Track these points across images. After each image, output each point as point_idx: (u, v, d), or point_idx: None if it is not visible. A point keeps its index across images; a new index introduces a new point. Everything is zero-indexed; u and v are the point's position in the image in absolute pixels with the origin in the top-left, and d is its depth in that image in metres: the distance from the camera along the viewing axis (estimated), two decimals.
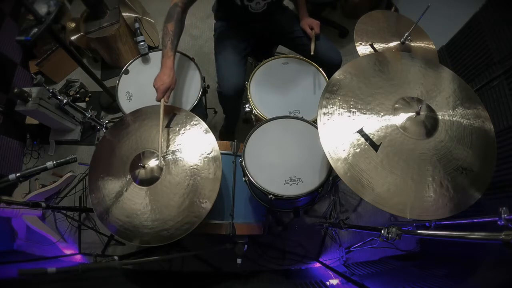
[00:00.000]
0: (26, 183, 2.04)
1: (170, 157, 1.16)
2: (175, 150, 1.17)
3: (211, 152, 1.15)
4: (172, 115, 1.25)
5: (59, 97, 1.48)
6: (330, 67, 1.50)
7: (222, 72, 1.51)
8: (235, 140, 1.40)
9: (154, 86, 1.22)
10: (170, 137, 1.20)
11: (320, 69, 1.49)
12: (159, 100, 1.22)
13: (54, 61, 2.33)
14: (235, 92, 1.48)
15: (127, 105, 1.48)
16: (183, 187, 1.10)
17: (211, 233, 1.29)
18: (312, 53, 1.45)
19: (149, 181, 1.13)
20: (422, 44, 1.42)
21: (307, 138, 1.27)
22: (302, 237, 1.83)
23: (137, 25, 1.67)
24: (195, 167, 1.13)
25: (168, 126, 1.22)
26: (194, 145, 1.18)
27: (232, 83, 1.47)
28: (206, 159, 1.14)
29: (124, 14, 2.23)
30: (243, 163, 1.21)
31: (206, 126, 1.21)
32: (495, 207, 0.80)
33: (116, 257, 0.91)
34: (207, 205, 1.07)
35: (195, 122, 1.22)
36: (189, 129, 1.21)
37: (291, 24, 1.61)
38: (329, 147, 0.94)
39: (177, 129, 1.22)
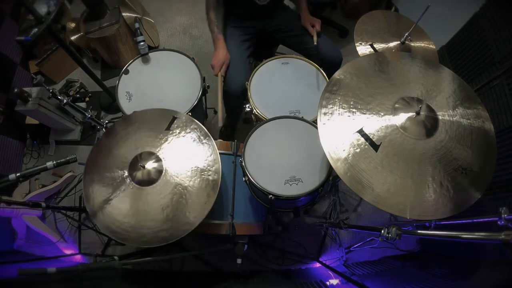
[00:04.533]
0: (26, 183, 2.04)
1: (169, 158, 1.16)
2: (174, 153, 1.17)
3: (211, 155, 1.16)
4: (172, 118, 1.25)
5: (59, 97, 1.48)
6: (330, 66, 1.50)
7: (228, 71, 1.52)
8: (235, 140, 1.40)
9: (211, 64, 1.46)
10: (170, 140, 1.20)
11: (320, 69, 1.49)
12: (216, 75, 1.45)
13: (54, 61, 2.32)
14: (241, 91, 1.49)
15: (127, 105, 1.48)
16: (182, 187, 1.10)
17: (211, 233, 1.29)
18: (315, 43, 1.48)
19: (147, 182, 1.13)
20: (422, 44, 1.42)
21: (307, 138, 1.27)
22: (302, 237, 1.83)
23: (137, 25, 1.67)
24: (195, 168, 1.13)
25: (168, 129, 1.22)
26: (194, 148, 1.18)
27: (239, 81, 1.48)
28: (206, 162, 1.14)
29: (124, 14, 2.23)
30: (243, 163, 1.21)
31: (205, 129, 1.21)
32: (495, 207, 0.80)
33: (116, 257, 0.91)
34: (207, 206, 1.07)
35: (194, 126, 1.22)
36: (189, 132, 1.21)
37: (292, 21, 1.62)
38: (329, 147, 0.94)
39: (177, 131, 1.22)
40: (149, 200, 1.10)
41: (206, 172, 1.13)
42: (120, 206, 1.11)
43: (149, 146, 1.19)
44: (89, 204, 1.13)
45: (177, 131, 1.22)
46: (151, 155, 1.17)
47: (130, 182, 1.14)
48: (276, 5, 1.56)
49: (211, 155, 1.16)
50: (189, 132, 1.21)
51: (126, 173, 1.15)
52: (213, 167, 1.13)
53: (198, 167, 1.14)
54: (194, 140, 1.19)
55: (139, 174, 1.14)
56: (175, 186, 1.11)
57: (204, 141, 1.19)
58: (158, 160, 1.16)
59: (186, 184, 1.11)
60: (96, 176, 1.17)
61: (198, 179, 1.12)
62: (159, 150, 1.18)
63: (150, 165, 1.15)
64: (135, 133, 1.24)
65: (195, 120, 1.24)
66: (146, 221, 1.07)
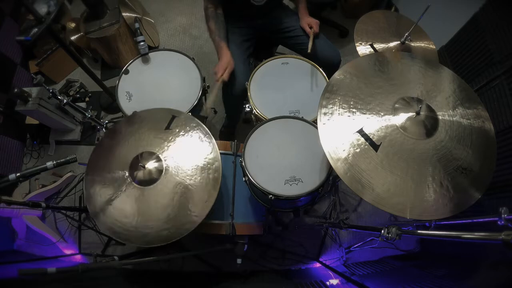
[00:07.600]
0: (26, 183, 2.04)
1: (170, 158, 1.16)
2: (175, 152, 1.17)
3: (211, 153, 1.15)
4: (172, 117, 1.25)
5: (59, 97, 1.48)
6: (329, 67, 1.50)
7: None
8: (235, 140, 1.40)
9: (214, 71, 1.42)
10: (170, 139, 1.20)
11: (320, 69, 1.49)
12: (217, 81, 1.40)
13: (54, 61, 2.33)
14: (241, 91, 1.49)
15: (127, 105, 1.48)
16: (183, 186, 1.10)
17: (211, 233, 1.29)
18: (309, 51, 1.46)
19: (148, 182, 1.13)
20: (422, 44, 1.42)
21: (307, 138, 1.27)
22: (302, 237, 1.83)
23: (137, 25, 1.67)
24: (195, 167, 1.13)
25: (168, 128, 1.23)
26: (194, 147, 1.18)
27: (239, 81, 1.48)
28: (206, 160, 1.14)
29: (124, 14, 2.23)
30: (243, 163, 1.21)
31: (206, 128, 1.21)
32: (495, 207, 0.80)
33: (116, 257, 0.91)
34: (208, 204, 1.07)
35: (194, 125, 1.22)
36: (189, 130, 1.21)
37: (291, 22, 1.62)
38: (329, 147, 0.94)
39: (177, 130, 1.22)
40: (151, 200, 1.10)
41: (206, 170, 1.12)
42: (121, 206, 1.11)
43: (150, 146, 1.19)
44: (91, 204, 1.13)
45: (177, 130, 1.22)
46: (152, 154, 1.17)
47: (131, 182, 1.14)
48: (273, 5, 1.56)
49: (211, 153, 1.16)
50: (189, 130, 1.21)
51: (127, 173, 1.15)
52: (213, 165, 1.13)
53: (198, 166, 1.13)
54: (194, 139, 1.19)
55: (140, 174, 1.14)
56: (176, 185, 1.11)
57: (204, 139, 1.19)
58: (159, 159, 1.16)
59: (186, 183, 1.11)
60: (97, 177, 1.17)
61: (199, 177, 1.11)
62: (159, 150, 1.18)
63: (151, 164, 1.15)
64: (136, 133, 1.24)
65: (195, 119, 1.24)
66: (148, 220, 1.07)
